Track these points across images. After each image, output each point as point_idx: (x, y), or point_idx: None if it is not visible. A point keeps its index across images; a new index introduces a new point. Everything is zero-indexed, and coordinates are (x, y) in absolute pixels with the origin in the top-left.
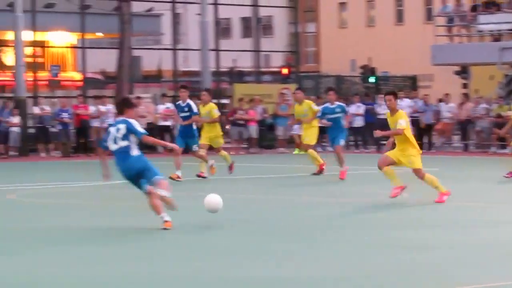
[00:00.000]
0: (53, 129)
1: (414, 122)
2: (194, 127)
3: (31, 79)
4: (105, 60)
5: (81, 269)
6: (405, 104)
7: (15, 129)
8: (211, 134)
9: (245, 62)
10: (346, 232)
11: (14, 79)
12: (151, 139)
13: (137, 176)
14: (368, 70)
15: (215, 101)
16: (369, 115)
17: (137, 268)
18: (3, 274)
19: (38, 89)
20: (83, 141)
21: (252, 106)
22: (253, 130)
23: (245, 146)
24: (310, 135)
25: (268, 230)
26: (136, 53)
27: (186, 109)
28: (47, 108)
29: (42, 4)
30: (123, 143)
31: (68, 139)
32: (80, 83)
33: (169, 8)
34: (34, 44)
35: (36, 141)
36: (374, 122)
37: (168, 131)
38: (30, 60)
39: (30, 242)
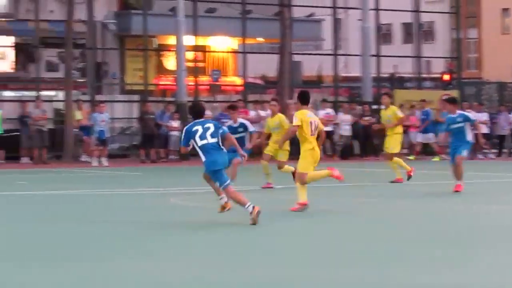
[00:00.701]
0: None
1: None
2: (247, 143)
3: (192, 83)
4: (265, 65)
5: (255, 272)
6: None
7: (175, 133)
8: (277, 146)
9: (406, 68)
10: (507, 240)
11: (175, 83)
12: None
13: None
14: None
15: (375, 106)
16: None
17: (291, 273)
18: (181, 277)
19: (199, 94)
20: None
21: (413, 112)
22: (414, 136)
23: (405, 152)
24: (392, 142)
25: (429, 237)
26: (296, 58)
27: (240, 129)
28: (208, 113)
29: (203, 9)
30: (213, 140)
31: None
32: (241, 88)
33: (330, 14)
34: (196, 48)
35: None
36: None
37: (328, 137)
38: (191, 64)
39: (208, 246)
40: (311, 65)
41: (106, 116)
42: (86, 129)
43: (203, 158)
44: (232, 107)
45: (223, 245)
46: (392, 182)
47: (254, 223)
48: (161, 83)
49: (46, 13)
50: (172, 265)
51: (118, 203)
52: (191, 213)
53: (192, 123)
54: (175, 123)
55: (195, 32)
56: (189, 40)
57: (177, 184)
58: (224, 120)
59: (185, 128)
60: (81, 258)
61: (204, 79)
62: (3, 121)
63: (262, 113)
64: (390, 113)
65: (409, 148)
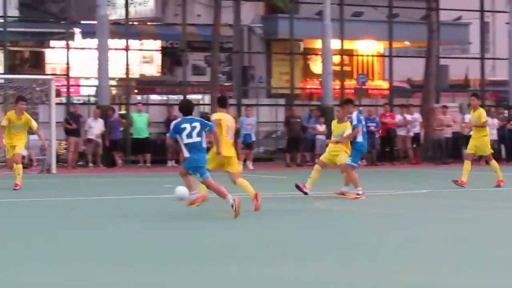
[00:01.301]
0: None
1: None
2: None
3: (338, 87)
4: (411, 69)
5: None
6: None
7: (321, 137)
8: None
9: None
10: None
11: (321, 87)
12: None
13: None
14: None
15: None
16: None
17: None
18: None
19: (344, 97)
20: (388, 149)
21: None
22: None
23: None
24: (481, 145)
25: None
26: (443, 61)
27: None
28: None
29: (350, 13)
30: (198, 139)
31: (373, 147)
32: (387, 92)
33: (477, 17)
34: (342, 52)
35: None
36: None
37: None
38: (337, 68)
39: (333, 251)
40: (458, 69)
41: (253, 120)
42: None
43: (187, 154)
44: (345, 102)
45: (361, 247)
46: (496, 186)
47: (236, 216)
48: (307, 87)
49: (193, 17)
50: (320, 267)
51: (264, 206)
52: (334, 217)
53: (181, 119)
54: (321, 127)
55: (342, 36)
56: (335, 44)
57: (324, 188)
58: (370, 125)
59: (174, 123)
60: (229, 259)
61: (350, 83)
62: (149, 124)
63: (408, 116)
64: (478, 114)
65: None
